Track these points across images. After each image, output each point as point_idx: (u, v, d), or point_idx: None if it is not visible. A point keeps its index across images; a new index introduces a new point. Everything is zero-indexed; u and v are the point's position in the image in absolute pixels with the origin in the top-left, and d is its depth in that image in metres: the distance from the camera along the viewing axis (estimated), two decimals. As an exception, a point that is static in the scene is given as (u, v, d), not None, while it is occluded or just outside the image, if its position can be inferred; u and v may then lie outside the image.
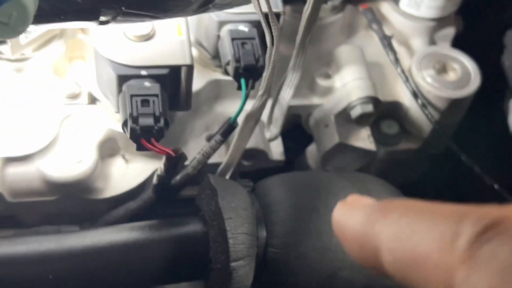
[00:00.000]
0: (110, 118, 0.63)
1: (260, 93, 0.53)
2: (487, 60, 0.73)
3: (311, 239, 0.56)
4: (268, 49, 0.49)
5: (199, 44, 0.66)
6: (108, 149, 0.64)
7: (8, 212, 0.62)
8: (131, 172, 0.64)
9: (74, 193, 0.61)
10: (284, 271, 0.55)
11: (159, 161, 0.65)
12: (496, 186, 0.66)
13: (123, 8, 0.44)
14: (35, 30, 0.61)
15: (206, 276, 0.56)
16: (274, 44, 0.48)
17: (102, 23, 0.45)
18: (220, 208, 0.55)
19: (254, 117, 0.57)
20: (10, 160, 0.59)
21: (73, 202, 0.62)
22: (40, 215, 0.63)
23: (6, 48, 0.61)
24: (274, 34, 0.48)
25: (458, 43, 0.78)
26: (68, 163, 0.60)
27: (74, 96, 0.63)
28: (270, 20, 0.47)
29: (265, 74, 0.51)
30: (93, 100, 0.63)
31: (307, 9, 0.50)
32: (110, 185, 0.63)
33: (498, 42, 0.74)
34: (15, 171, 0.60)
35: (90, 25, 0.46)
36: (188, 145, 0.67)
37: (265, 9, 0.52)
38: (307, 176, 0.63)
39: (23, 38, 0.61)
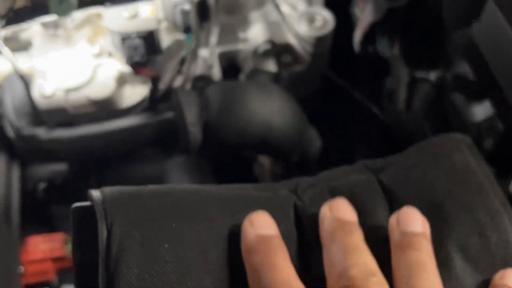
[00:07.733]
0: (119, 63, 1.14)
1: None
2: (339, 11, 1.23)
3: (233, 113, 1.07)
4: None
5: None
6: (120, 80, 1.15)
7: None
8: (134, 91, 1.16)
9: (105, 106, 1.13)
10: (218, 131, 1.07)
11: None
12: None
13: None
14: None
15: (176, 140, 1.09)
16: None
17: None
18: (180, 100, 1.07)
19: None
20: (70, 90, 1.11)
21: (104, 111, 1.14)
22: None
23: (60, 31, 1.13)
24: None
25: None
26: (104, 88, 1.12)
27: (100, 54, 1.14)
28: None
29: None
30: (110, 55, 1.14)
31: None
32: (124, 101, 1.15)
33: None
34: (72, 96, 1.12)
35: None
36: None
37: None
38: (233, 83, 1.14)
39: (70, 22, 1.13)
